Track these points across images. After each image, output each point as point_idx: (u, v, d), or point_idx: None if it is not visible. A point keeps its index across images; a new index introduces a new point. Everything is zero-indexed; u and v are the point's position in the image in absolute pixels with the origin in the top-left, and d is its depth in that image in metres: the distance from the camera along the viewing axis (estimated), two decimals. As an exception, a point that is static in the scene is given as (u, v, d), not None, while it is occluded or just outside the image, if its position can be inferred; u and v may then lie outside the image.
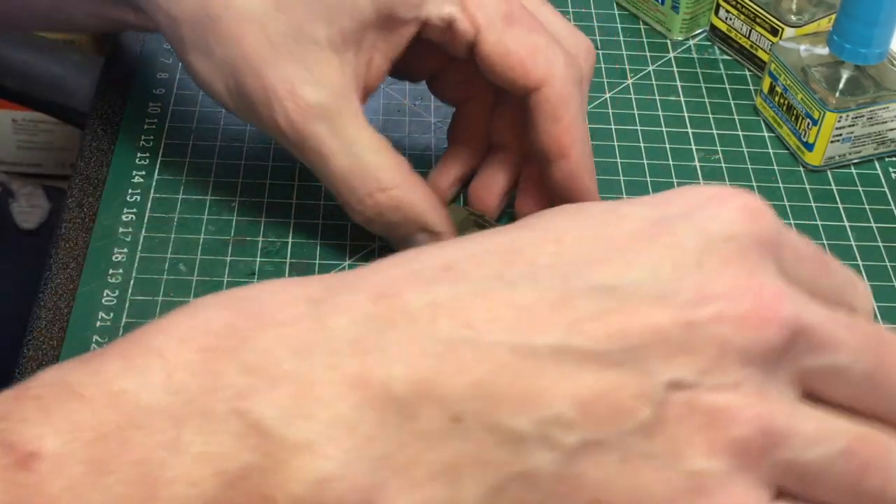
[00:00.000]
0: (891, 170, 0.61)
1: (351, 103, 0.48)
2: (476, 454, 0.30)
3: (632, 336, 0.30)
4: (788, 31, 0.63)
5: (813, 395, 0.33)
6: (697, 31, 0.69)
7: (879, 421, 0.33)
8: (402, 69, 0.52)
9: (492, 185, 0.55)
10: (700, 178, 0.60)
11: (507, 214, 0.56)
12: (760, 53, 0.65)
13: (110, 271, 0.52)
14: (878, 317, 0.54)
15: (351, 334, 0.31)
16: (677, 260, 0.31)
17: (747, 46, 0.66)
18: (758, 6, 0.64)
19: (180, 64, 0.64)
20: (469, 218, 0.54)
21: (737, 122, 0.63)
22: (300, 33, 0.47)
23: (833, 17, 0.60)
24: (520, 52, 0.49)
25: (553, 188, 0.52)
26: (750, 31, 0.65)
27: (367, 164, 0.48)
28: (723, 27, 0.67)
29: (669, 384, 0.30)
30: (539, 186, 0.53)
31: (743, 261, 0.32)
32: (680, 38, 0.68)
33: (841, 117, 0.58)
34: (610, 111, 0.63)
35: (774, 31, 0.63)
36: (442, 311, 0.31)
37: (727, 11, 0.66)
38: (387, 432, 0.30)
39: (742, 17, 0.65)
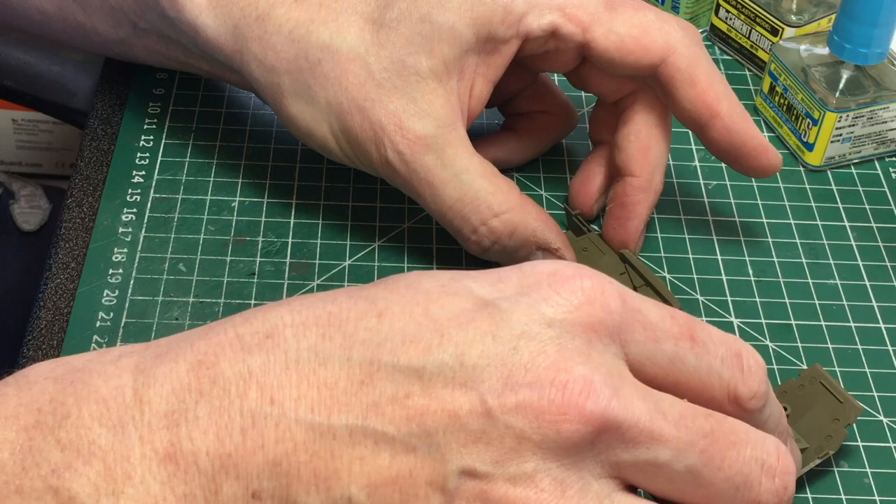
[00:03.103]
0: (891, 170, 0.61)
1: (457, 131, 0.47)
2: None
3: (429, 421, 0.30)
4: (788, 31, 0.63)
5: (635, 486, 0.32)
6: (700, 31, 0.69)
7: None
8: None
9: (589, 182, 0.54)
10: (700, 178, 0.60)
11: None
12: (760, 53, 0.65)
13: (110, 271, 0.52)
14: (879, 317, 0.54)
15: (165, 406, 0.31)
16: (489, 346, 0.31)
17: (747, 46, 0.66)
18: (758, 6, 0.64)
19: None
20: (617, 255, 0.53)
21: (737, 122, 0.63)
22: (403, 67, 0.46)
23: (833, 17, 0.60)
24: (634, 33, 0.48)
25: (719, 151, 0.51)
26: (750, 31, 0.65)
27: (479, 190, 0.48)
28: (723, 27, 0.67)
29: (462, 472, 0.30)
30: (624, 207, 0.52)
31: (561, 349, 0.31)
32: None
33: (841, 117, 0.58)
34: (610, 111, 0.63)
35: (774, 31, 0.63)
36: (252, 383, 0.31)
37: (727, 11, 0.66)
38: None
39: (742, 17, 0.65)
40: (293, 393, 0.31)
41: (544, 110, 0.56)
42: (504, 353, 0.31)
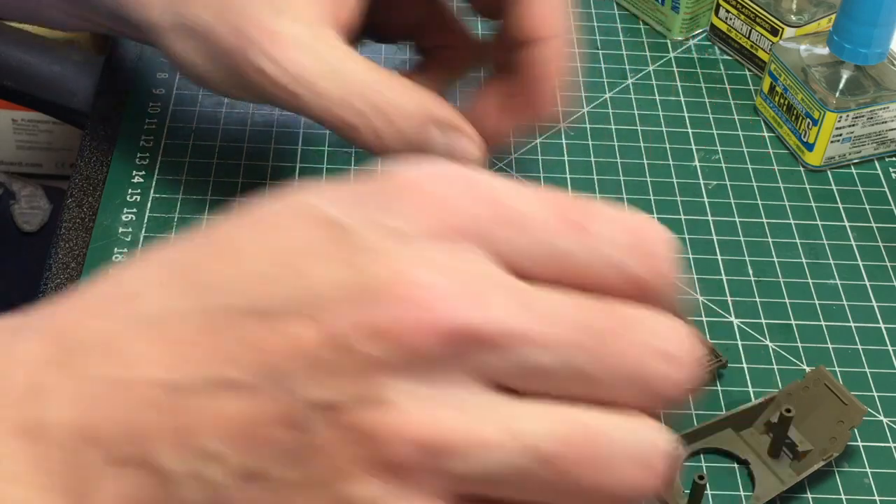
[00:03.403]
0: (891, 170, 0.61)
1: (327, 30, 0.47)
2: (135, 495, 0.29)
3: (278, 360, 0.29)
4: (788, 31, 0.63)
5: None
6: (697, 32, 0.69)
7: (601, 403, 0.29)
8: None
9: (486, 104, 0.51)
10: (700, 178, 0.60)
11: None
12: (760, 53, 0.65)
13: (110, 271, 0.52)
14: (879, 317, 0.54)
15: (22, 378, 0.30)
16: (335, 272, 0.29)
17: (747, 46, 0.66)
18: (758, 6, 0.64)
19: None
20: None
21: (737, 122, 0.63)
22: None
23: (833, 17, 0.60)
24: None
25: (525, 76, 0.49)
26: (750, 31, 0.65)
27: (364, 80, 0.46)
28: (723, 27, 0.67)
29: (315, 406, 0.28)
30: (530, 73, 0.50)
31: (411, 262, 0.29)
32: (680, 38, 0.68)
33: (841, 117, 0.58)
34: (610, 111, 0.63)
35: (774, 31, 0.63)
36: (104, 348, 0.30)
37: (727, 11, 0.66)
38: (52, 480, 0.29)
39: (742, 17, 0.65)
40: (146, 354, 0.30)
41: (446, 44, 0.55)
42: (350, 276, 0.29)
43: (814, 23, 0.63)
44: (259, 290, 0.30)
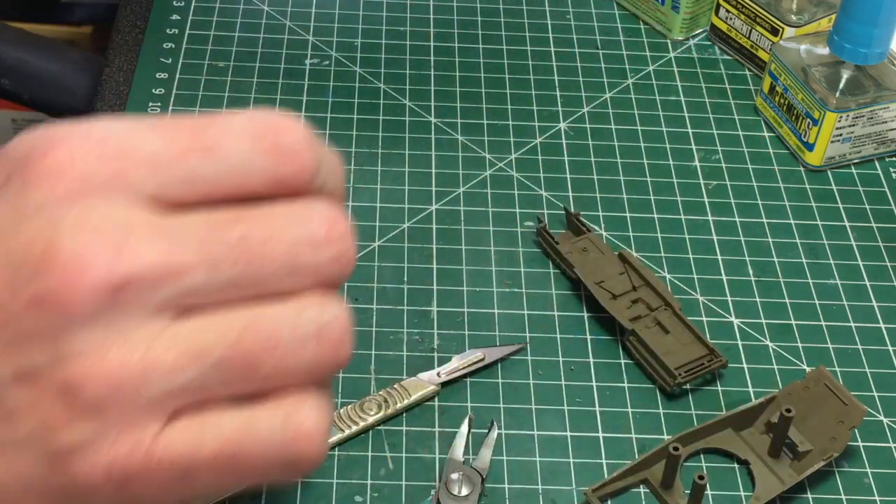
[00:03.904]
0: (891, 170, 0.61)
1: None
2: None
3: None
4: (789, 31, 0.63)
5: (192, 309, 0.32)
6: (697, 31, 0.69)
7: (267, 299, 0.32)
8: None
9: None
10: (700, 178, 0.60)
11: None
12: (760, 53, 0.65)
13: None
14: (879, 317, 0.54)
15: None
16: None
17: (747, 46, 0.66)
18: (758, 6, 0.64)
19: (179, 64, 0.64)
20: None
21: (737, 122, 0.63)
22: None
23: (833, 17, 0.60)
24: None
25: None
26: (750, 30, 0.65)
27: None
28: (723, 27, 0.67)
29: (10, 376, 0.31)
30: None
31: (52, 230, 0.31)
32: (680, 38, 0.68)
33: (841, 117, 0.58)
34: (610, 111, 0.63)
35: (775, 31, 0.63)
36: None
37: (727, 11, 0.66)
38: None
39: (742, 16, 0.65)
40: None
41: None
42: (5, 255, 0.31)
43: (814, 23, 0.63)
44: None
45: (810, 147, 0.60)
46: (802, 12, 0.64)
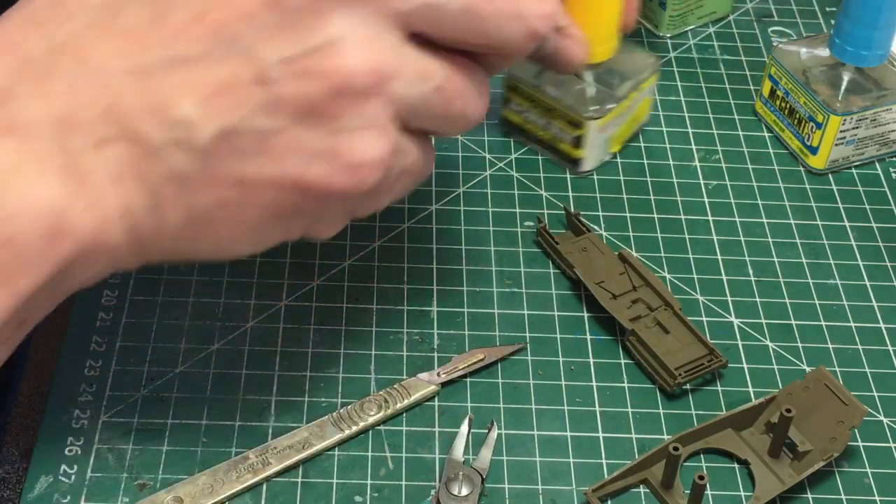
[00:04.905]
0: (891, 170, 0.61)
1: None
2: (127, 169, 0.33)
3: (231, 29, 0.33)
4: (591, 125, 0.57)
5: (417, 37, 0.36)
6: (688, 28, 0.69)
7: (472, 58, 0.38)
8: None
9: None
10: (700, 178, 0.60)
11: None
12: (563, 147, 0.58)
13: (110, 271, 0.52)
14: (879, 317, 0.54)
15: None
16: None
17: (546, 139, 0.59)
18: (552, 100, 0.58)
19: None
20: None
21: (737, 121, 0.63)
22: None
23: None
24: None
25: None
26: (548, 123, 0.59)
27: None
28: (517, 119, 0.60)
29: (279, 62, 0.33)
30: None
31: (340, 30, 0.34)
32: (668, 35, 0.68)
33: (845, 120, 0.58)
34: (610, 111, 0.63)
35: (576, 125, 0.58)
36: (61, 51, 0.33)
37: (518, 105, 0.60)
38: (46, 165, 0.33)
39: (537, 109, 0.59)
40: (100, 48, 0.33)
41: None
42: None
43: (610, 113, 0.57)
44: None
45: (814, 150, 0.60)
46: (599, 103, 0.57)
